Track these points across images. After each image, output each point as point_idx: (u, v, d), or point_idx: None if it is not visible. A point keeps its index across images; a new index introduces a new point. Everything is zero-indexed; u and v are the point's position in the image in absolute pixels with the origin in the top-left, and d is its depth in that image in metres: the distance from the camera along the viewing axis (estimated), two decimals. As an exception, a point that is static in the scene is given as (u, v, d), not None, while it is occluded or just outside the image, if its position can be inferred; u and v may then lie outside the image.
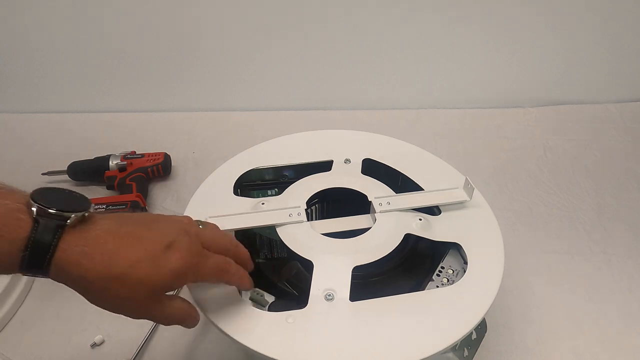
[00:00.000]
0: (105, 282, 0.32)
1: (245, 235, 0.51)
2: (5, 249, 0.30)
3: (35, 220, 0.31)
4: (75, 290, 0.34)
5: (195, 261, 0.36)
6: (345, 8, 0.86)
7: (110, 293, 0.33)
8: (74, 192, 0.35)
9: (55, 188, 0.34)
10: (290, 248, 0.47)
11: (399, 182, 0.57)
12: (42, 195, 0.33)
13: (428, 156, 0.60)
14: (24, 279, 0.63)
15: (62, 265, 0.32)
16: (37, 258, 0.31)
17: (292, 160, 0.59)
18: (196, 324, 0.39)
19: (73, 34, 0.87)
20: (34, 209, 0.31)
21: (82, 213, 0.33)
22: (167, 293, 0.36)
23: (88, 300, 0.34)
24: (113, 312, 0.35)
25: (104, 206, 0.67)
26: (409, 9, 0.86)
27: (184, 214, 0.51)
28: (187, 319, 0.38)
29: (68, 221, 0.32)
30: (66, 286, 0.34)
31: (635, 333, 0.60)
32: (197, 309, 0.40)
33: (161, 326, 0.59)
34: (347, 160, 0.58)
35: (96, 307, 0.61)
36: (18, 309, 0.62)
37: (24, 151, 0.88)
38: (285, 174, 0.59)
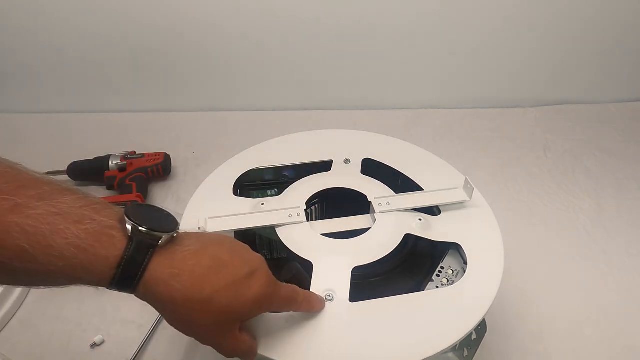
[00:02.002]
0: (191, 304, 0.32)
1: (245, 236, 0.51)
2: (98, 265, 0.30)
3: (130, 239, 0.31)
4: (157, 309, 0.33)
5: (271, 291, 0.36)
6: (346, 8, 0.86)
7: (193, 316, 0.33)
8: (163, 210, 0.35)
9: (145, 205, 0.34)
10: (290, 248, 0.47)
11: (399, 182, 0.57)
12: (134, 213, 0.32)
13: (428, 156, 0.60)
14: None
15: (152, 285, 0.31)
16: (128, 276, 0.31)
17: (292, 160, 0.59)
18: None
19: (73, 34, 0.87)
20: (129, 226, 0.31)
21: (172, 233, 0.33)
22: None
23: (167, 320, 0.34)
24: (189, 335, 0.35)
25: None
26: (409, 8, 0.86)
27: (184, 214, 0.51)
28: (249, 353, 0.38)
29: (160, 241, 0.32)
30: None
31: (635, 333, 0.60)
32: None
33: (160, 326, 0.60)
34: (347, 160, 0.58)
35: (96, 307, 0.62)
36: (18, 309, 0.62)
37: (24, 151, 0.88)
38: (285, 174, 0.59)
